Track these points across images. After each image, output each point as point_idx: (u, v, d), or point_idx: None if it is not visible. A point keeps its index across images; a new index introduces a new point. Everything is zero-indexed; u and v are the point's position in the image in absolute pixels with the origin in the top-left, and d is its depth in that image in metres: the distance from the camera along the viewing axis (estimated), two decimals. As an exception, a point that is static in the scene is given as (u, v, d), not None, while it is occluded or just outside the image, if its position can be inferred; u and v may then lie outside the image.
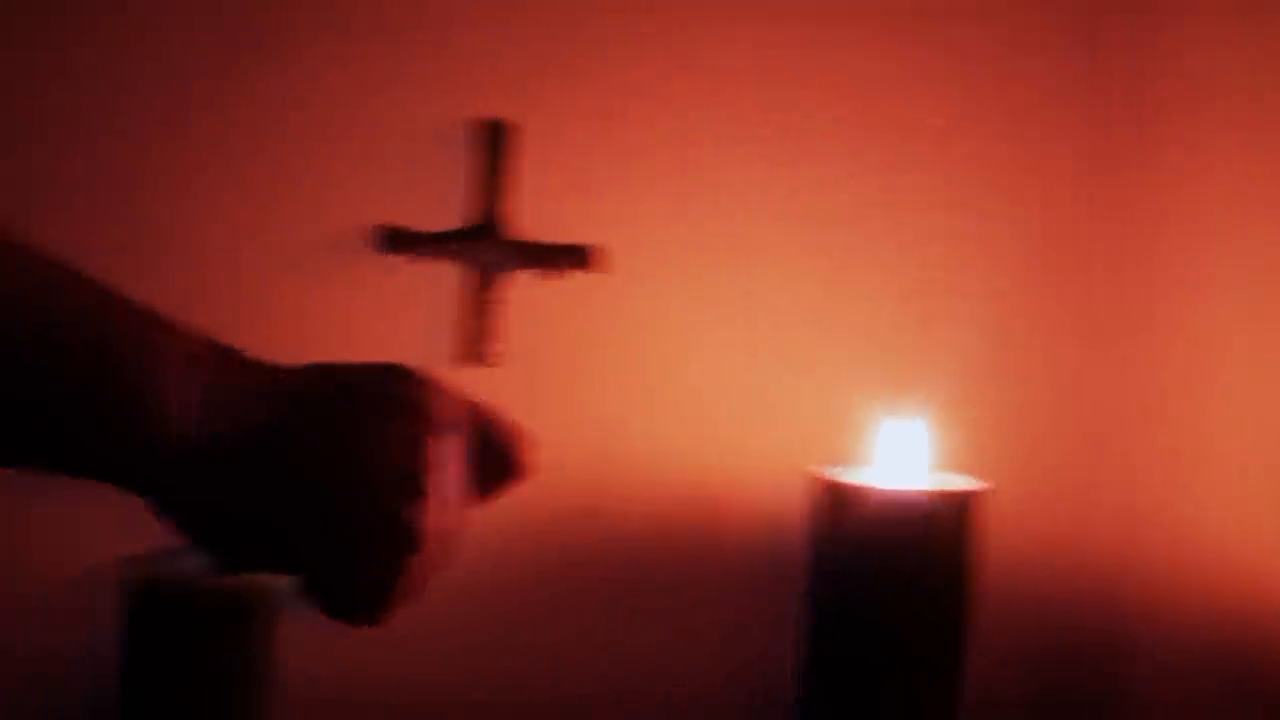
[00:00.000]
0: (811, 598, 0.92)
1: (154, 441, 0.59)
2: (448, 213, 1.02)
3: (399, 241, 1.01)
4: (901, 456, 0.93)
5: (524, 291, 1.03)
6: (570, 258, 1.03)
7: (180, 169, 0.98)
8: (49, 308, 0.57)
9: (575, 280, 1.03)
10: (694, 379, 1.06)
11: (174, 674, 0.79)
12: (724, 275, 1.05)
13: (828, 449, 1.00)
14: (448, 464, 0.66)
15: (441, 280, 1.02)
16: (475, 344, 1.03)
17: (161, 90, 0.97)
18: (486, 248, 1.02)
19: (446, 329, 1.03)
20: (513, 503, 1.03)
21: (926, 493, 0.89)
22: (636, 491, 1.05)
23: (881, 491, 0.89)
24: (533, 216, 1.03)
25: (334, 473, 0.63)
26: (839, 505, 0.89)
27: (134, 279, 0.97)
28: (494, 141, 1.02)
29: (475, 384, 1.02)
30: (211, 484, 0.61)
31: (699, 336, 1.06)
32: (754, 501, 1.05)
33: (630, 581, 1.05)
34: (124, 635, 0.78)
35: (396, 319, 1.02)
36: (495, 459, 0.70)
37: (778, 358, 1.06)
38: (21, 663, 0.97)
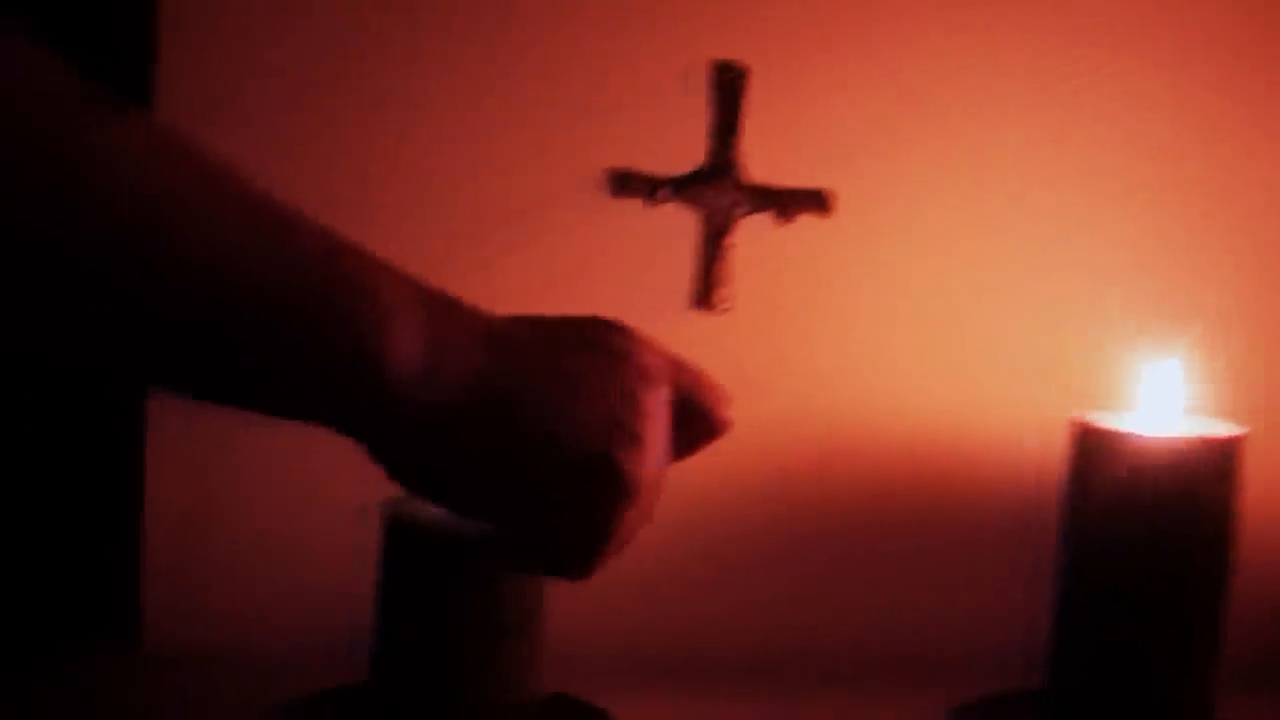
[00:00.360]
0: (1065, 548, 0.88)
1: (375, 387, 0.59)
2: (681, 157, 1.00)
3: (631, 185, 0.99)
4: (1160, 402, 0.89)
5: (757, 237, 1.01)
6: (807, 202, 1.01)
7: (414, 114, 0.98)
8: (274, 248, 0.57)
9: (810, 226, 1.01)
10: (934, 326, 1.02)
11: (432, 615, 0.79)
12: (968, 220, 1.01)
13: (1077, 395, 0.96)
14: (658, 416, 0.65)
15: (674, 225, 1.01)
16: (706, 290, 1.01)
17: (391, 34, 0.97)
18: (719, 192, 1.00)
19: (678, 275, 1.01)
20: (745, 455, 1.02)
21: (1190, 438, 0.85)
22: (873, 443, 1.02)
23: (1141, 437, 0.85)
24: (765, 160, 1.01)
25: (552, 422, 0.63)
26: (1096, 451, 0.86)
27: (363, 224, 0.98)
28: (728, 84, 1.00)
29: (706, 331, 1.02)
30: (429, 432, 0.61)
31: (939, 283, 1.02)
32: (995, 450, 1.01)
33: (868, 536, 1.02)
34: (385, 574, 0.78)
35: (628, 264, 1.00)
36: (694, 415, 0.69)
37: (1022, 302, 1.02)
38: (286, 597, 0.98)
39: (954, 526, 1.02)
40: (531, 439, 0.63)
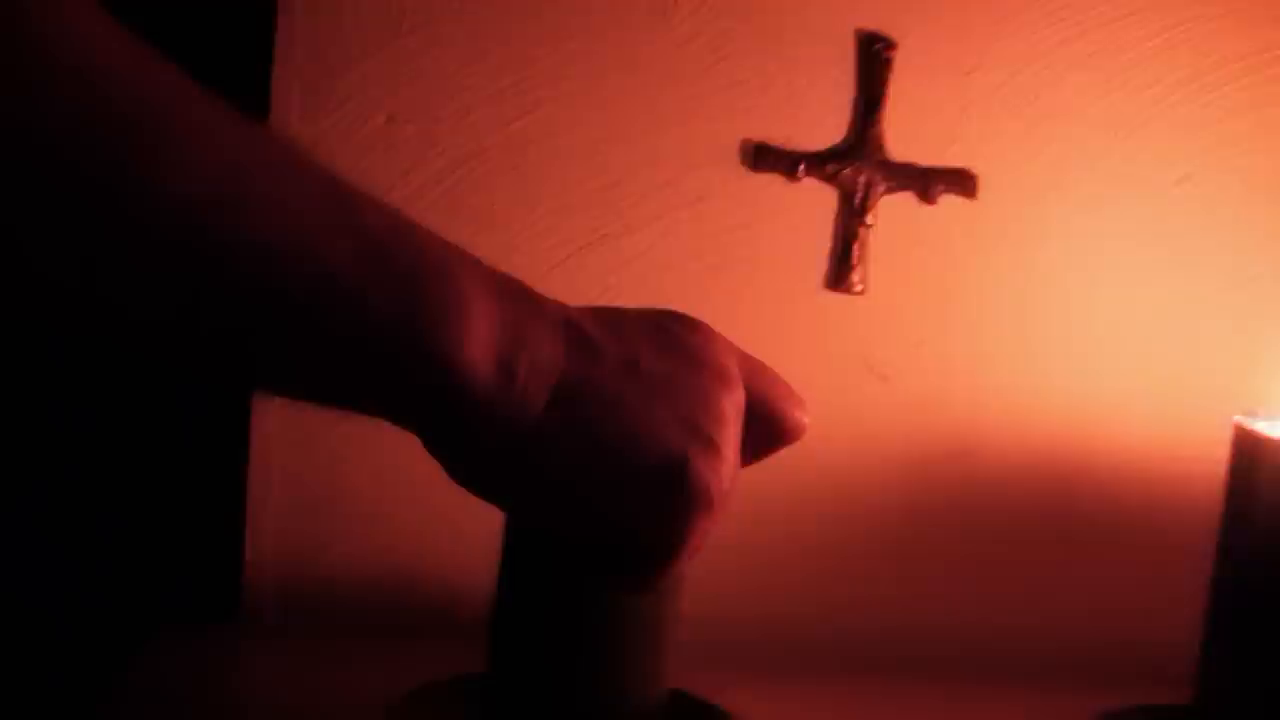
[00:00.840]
0: (1224, 558, 0.84)
1: (441, 381, 0.55)
2: (822, 131, 0.96)
3: (770, 159, 0.96)
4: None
5: (897, 217, 0.97)
6: (952, 182, 0.97)
7: (555, 85, 0.94)
8: (338, 230, 0.54)
9: (954, 207, 0.97)
10: (1081, 317, 0.98)
11: (557, 617, 0.76)
12: (1122, 206, 0.97)
13: (1235, 394, 0.92)
14: (736, 422, 0.62)
15: (812, 202, 0.97)
16: (841, 271, 0.97)
17: (531, 3, 0.94)
18: (860, 169, 0.96)
19: (814, 254, 0.98)
20: (876, 443, 0.99)
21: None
22: (1015, 437, 0.98)
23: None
24: (909, 137, 0.97)
25: (630, 425, 0.59)
26: (1262, 459, 0.82)
27: (502, 196, 0.95)
28: (874, 56, 0.95)
29: (838, 314, 0.99)
30: (499, 432, 0.57)
31: (1089, 272, 0.97)
32: (1146, 448, 0.97)
33: (1007, 531, 0.98)
34: (507, 573, 0.75)
35: (762, 241, 0.97)
36: (765, 419, 0.65)
37: (1178, 293, 0.97)
38: (390, 577, 0.96)
39: (1099, 526, 0.98)
40: (609, 442, 0.58)
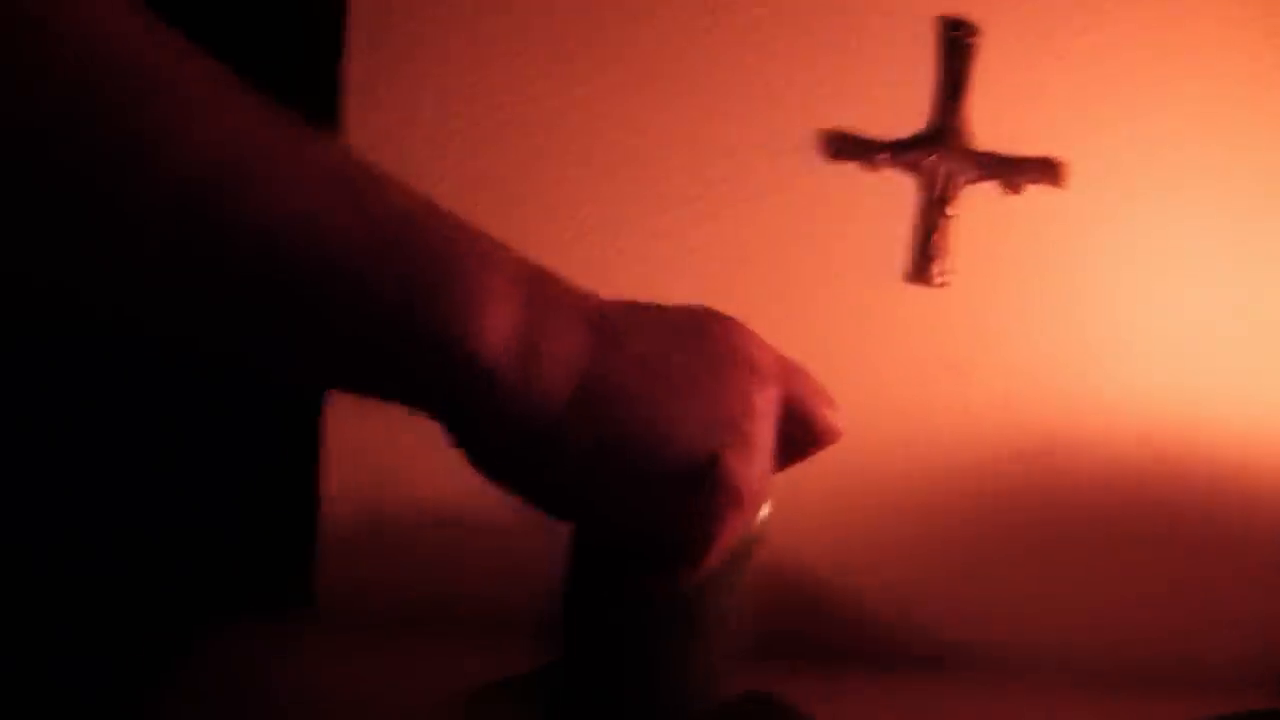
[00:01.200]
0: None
1: (463, 369, 0.54)
2: (903, 119, 0.94)
3: (851, 147, 0.94)
4: None
5: (981, 207, 0.95)
6: (1038, 171, 0.94)
7: (634, 72, 0.93)
8: (356, 212, 0.52)
9: (1040, 196, 0.95)
10: (1172, 310, 0.95)
11: (619, 615, 0.75)
12: (1213, 196, 0.94)
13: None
14: (770, 419, 0.60)
15: (893, 192, 0.95)
16: (923, 263, 0.95)
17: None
18: (942, 158, 0.94)
19: (894, 245, 0.95)
20: (966, 438, 0.96)
21: None
22: (1098, 432, 0.96)
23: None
24: (993, 125, 0.94)
25: (659, 420, 0.57)
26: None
27: (583, 184, 0.94)
28: (957, 42, 0.93)
29: (920, 307, 0.96)
30: (522, 423, 0.55)
31: (1180, 264, 0.94)
32: (1244, 447, 0.94)
33: (1095, 529, 0.96)
34: (571, 570, 0.74)
35: (841, 231, 0.95)
36: (800, 421, 0.62)
37: (1263, 287, 0.95)
38: (457, 570, 0.96)
39: (1191, 525, 0.96)
40: (636, 437, 0.57)
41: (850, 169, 0.94)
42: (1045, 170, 0.94)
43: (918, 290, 0.95)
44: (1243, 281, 0.95)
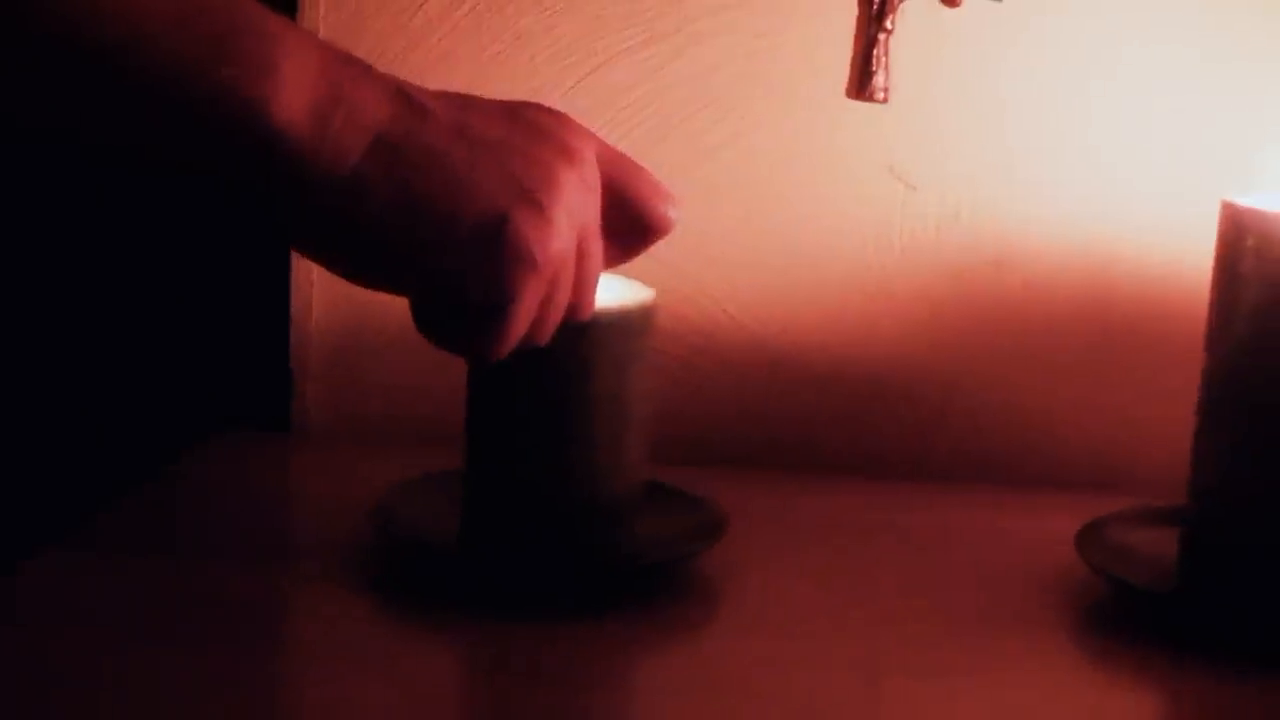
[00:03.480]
0: (1212, 347, 0.81)
1: (260, 134, 0.58)
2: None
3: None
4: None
5: (917, 22, 0.96)
6: (971, -19, 0.95)
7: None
8: None
9: (976, 9, 0.95)
10: (1103, 114, 0.95)
11: (512, 397, 0.79)
12: (1140, 4, 0.94)
13: (1235, 182, 0.89)
14: (577, 194, 0.63)
15: (835, 7, 0.96)
16: (865, 78, 0.97)
17: None
18: (880, -28, 0.95)
19: (836, 61, 0.97)
20: (912, 251, 0.98)
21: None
22: (1042, 241, 0.97)
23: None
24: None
25: (454, 182, 0.61)
26: (1249, 237, 0.78)
27: (510, 13, 0.96)
28: None
29: (865, 120, 0.98)
30: (322, 188, 0.59)
31: (1108, 68, 0.95)
32: (1146, 242, 0.96)
33: (1038, 336, 0.98)
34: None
35: (786, 49, 0.96)
36: (628, 210, 0.67)
37: (1198, 85, 0.95)
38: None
39: (1120, 336, 0.97)
40: (431, 198, 0.60)
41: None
42: (980, -20, 0.94)
43: (861, 105, 0.96)
44: (1169, 79, 0.95)
